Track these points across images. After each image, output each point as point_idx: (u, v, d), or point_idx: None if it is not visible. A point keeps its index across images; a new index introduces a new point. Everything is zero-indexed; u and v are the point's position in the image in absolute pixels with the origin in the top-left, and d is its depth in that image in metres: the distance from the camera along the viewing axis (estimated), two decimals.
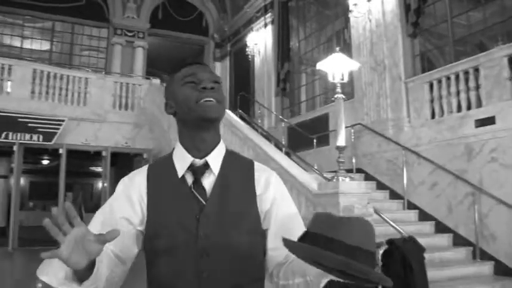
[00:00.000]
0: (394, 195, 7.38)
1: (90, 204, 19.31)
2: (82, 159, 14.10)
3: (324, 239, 0.97)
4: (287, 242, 1.02)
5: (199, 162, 1.26)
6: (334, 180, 5.09)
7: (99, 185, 17.95)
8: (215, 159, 1.27)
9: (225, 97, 1.30)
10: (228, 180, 1.26)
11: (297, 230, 1.19)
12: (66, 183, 11.87)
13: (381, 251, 3.95)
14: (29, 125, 10.65)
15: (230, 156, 1.32)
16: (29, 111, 10.71)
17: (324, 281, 1.12)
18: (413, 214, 6.95)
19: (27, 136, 10.68)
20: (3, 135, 10.52)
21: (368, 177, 7.89)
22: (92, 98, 11.64)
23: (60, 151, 11.20)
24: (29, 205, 21.44)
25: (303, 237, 1.03)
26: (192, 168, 1.25)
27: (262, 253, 1.28)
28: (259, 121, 12.14)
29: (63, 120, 10.93)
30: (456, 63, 6.87)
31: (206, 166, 1.26)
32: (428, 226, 6.66)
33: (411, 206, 7.08)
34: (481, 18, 7.47)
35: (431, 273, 4.90)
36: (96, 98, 11.67)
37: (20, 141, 10.70)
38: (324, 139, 9.48)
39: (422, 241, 4.90)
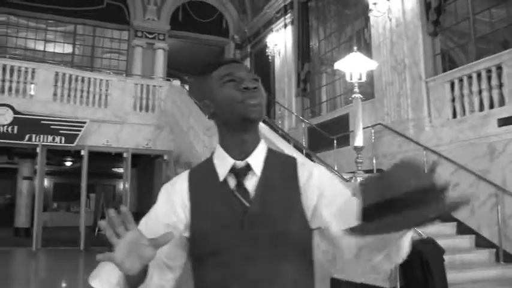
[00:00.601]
0: None
1: (113, 205, 19.54)
2: (104, 161, 14.29)
3: (381, 206, 0.85)
4: (351, 231, 0.92)
5: (240, 164, 1.22)
6: (352, 180, 5.04)
7: (121, 186, 18.16)
8: (256, 159, 1.24)
9: (265, 96, 1.25)
10: (270, 181, 1.23)
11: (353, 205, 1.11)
12: (88, 185, 12.04)
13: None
14: (52, 127, 10.83)
15: (272, 156, 1.29)
16: (51, 114, 10.90)
17: (406, 241, 1.02)
18: None
19: (50, 138, 10.86)
20: (26, 137, 10.72)
21: None
22: (113, 100, 11.77)
23: (82, 153, 11.35)
24: (53, 206, 21.83)
25: (362, 217, 0.91)
26: (233, 170, 1.22)
27: (311, 252, 1.24)
28: (280, 122, 12.12)
29: (84, 122, 11.08)
30: (478, 62, 6.74)
31: (248, 167, 1.23)
32: (449, 227, 6.53)
33: None
34: (504, 15, 7.32)
35: (453, 276, 4.82)
36: (117, 100, 11.80)
37: (43, 143, 10.90)
38: (344, 139, 9.39)
39: (443, 242, 4.82)
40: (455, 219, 6.59)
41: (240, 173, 1.22)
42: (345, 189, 1.24)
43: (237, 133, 1.23)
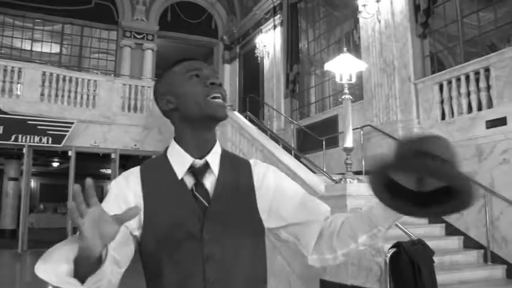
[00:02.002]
0: None
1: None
2: (92, 162, 14.17)
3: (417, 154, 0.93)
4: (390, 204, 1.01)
5: (199, 162, 1.20)
6: (342, 182, 5.03)
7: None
8: (214, 158, 1.22)
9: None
10: (228, 180, 1.21)
11: (313, 202, 1.26)
12: None
13: (388, 254, 3.88)
14: (39, 127, 10.70)
15: (226, 156, 1.28)
16: (38, 114, 10.77)
17: (387, 226, 1.11)
18: None
19: (37, 139, 10.74)
20: (12, 137, 10.58)
21: None
22: (101, 101, 11.68)
23: (70, 153, 11.25)
24: (39, 207, 21.61)
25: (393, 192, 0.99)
26: (192, 169, 1.20)
27: (265, 254, 1.25)
28: (268, 123, 12.11)
29: (72, 123, 10.97)
30: (466, 64, 6.78)
31: (206, 166, 1.21)
32: (438, 229, 6.56)
33: None
34: (492, 19, 7.37)
35: (442, 277, 4.83)
36: (105, 100, 11.71)
37: (29, 144, 10.76)
38: (333, 141, 9.41)
39: (432, 244, 4.83)
40: (444, 221, 6.62)
41: (199, 172, 1.20)
42: (299, 187, 1.30)
43: (200, 131, 1.21)
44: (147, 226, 1.15)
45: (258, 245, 1.22)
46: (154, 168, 1.24)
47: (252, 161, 1.31)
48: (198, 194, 1.18)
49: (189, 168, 1.20)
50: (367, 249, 4.54)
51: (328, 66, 5.55)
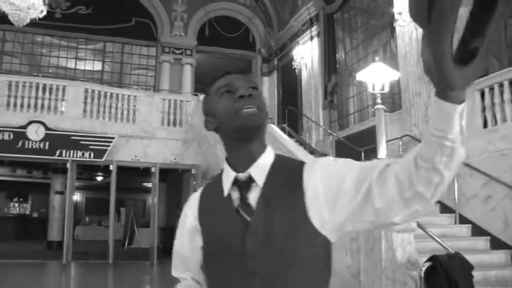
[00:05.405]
0: (445, 209, 7.03)
1: (143, 219, 19.71)
2: (133, 176, 14.46)
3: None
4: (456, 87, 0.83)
5: (243, 176, 1.17)
6: None
7: (151, 200, 18.32)
8: (259, 170, 1.16)
9: (266, 103, 1.21)
10: (274, 191, 1.14)
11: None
12: (119, 199, 12.17)
13: (423, 268, 3.73)
14: (81, 142, 11.04)
15: (279, 163, 1.20)
16: (81, 129, 11.12)
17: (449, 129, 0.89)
18: (465, 229, 6.58)
19: (79, 153, 11.06)
20: (57, 152, 10.95)
21: None
22: (141, 116, 11.92)
23: (111, 167, 11.50)
24: (85, 220, 22.20)
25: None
26: (237, 183, 1.17)
27: (324, 265, 1.13)
28: (307, 135, 12.01)
29: (113, 138, 11.24)
30: (510, 69, 6.51)
31: (250, 179, 1.16)
32: (482, 242, 6.28)
33: (463, 220, 6.71)
34: None
35: None
36: (145, 115, 11.95)
37: (73, 159, 11.09)
38: (372, 151, 9.20)
39: (476, 258, 4.63)
40: (488, 233, 6.33)
41: (243, 186, 1.16)
42: (351, 167, 1.13)
43: (240, 144, 1.18)
44: (203, 247, 1.21)
45: (314, 258, 1.10)
46: (210, 187, 1.28)
47: (308, 164, 1.18)
48: (240, 209, 1.15)
49: (234, 183, 1.17)
50: (402, 263, 4.39)
51: (360, 76, 5.45)
